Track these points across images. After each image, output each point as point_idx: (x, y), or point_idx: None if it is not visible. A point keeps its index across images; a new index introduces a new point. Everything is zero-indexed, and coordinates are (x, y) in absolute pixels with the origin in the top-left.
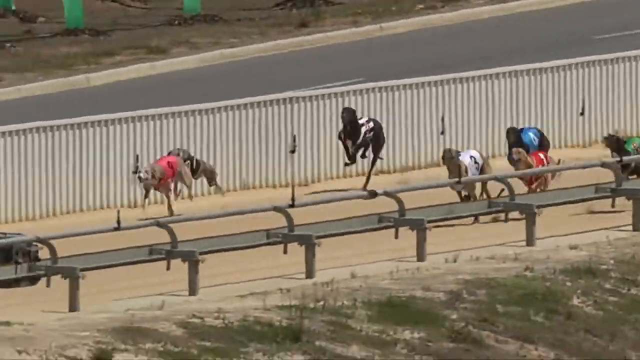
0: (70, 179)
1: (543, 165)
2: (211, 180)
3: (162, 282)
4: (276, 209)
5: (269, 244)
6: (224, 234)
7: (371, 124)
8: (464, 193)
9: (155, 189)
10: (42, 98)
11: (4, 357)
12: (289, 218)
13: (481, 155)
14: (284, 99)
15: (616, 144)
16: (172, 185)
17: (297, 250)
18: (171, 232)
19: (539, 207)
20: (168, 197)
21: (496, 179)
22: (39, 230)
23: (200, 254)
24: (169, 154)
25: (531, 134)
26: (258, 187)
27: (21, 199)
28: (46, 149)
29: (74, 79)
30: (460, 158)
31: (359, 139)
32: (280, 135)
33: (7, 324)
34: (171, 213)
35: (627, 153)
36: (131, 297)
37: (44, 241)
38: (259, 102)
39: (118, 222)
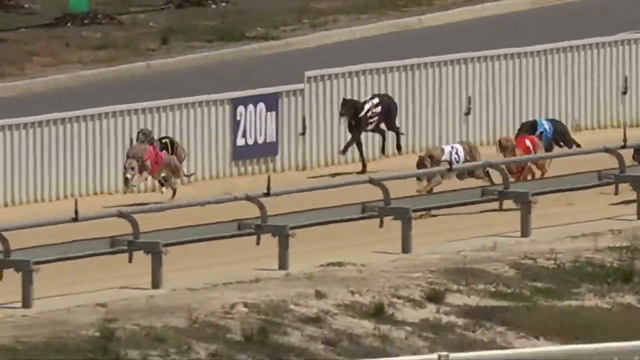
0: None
1: (529, 152)
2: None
3: (492, 224)
4: None
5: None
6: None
7: (375, 100)
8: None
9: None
10: (374, 39)
11: (337, 297)
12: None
13: (467, 148)
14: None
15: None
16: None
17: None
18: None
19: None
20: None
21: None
22: None
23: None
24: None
25: (544, 122)
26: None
27: None
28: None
29: (406, 21)
30: (444, 156)
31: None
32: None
33: (340, 264)
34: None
35: None
36: (463, 239)
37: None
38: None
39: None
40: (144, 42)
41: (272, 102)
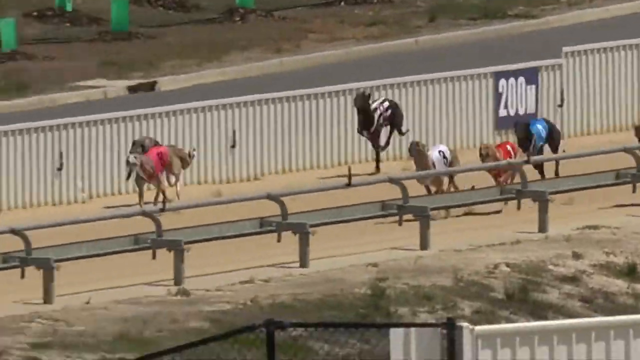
0: None
1: (510, 156)
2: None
3: None
4: None
5: None
6: None
7: (386, 104)
8: (432, 188)
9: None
10: (629, 18)
11: (593, 257)
12: None
13: (450, 150)
14: None
15: None
16: (163, 177)
17: None
18: None
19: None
20: (162, 191)
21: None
22: None
23: None
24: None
25: (539, 126)
26: None
27: None
28: None
29: None
30: (429, 153)
31: (373, 126)
32: None
33: (596, 227)
34: (163, 202)
35: None
36: None
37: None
38: None
39: None
40: (413, 19)
41: (531, 76)
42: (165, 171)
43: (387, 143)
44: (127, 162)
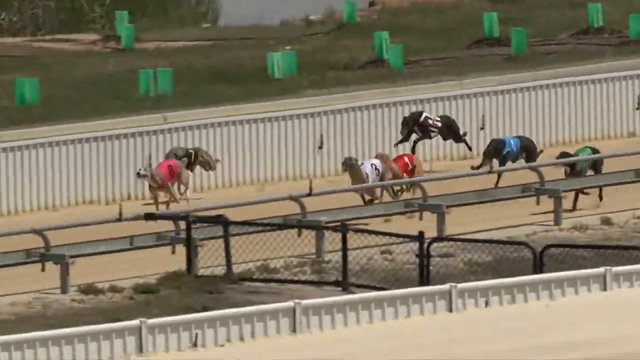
0: None
1: (407, 169)
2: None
3: None
4: None
5: None
6: None
7: (438, 118)
8: (367, 197)
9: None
10: None
11: None
12: None
13: (384, 161)
14: None
15: None
16: (174, 189)
17: None
18: None
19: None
20: (173, 198)
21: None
22: None
23: None
24: (167, 156)
25: (512, 141)
26: None
27: None
28: None
29: None
30: (363, 166)
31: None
32: None
33: None
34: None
35: None
36: None
37: None
38: None
39: None
40: None
41: None
42: (177, 181)
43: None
44: (138, 174)
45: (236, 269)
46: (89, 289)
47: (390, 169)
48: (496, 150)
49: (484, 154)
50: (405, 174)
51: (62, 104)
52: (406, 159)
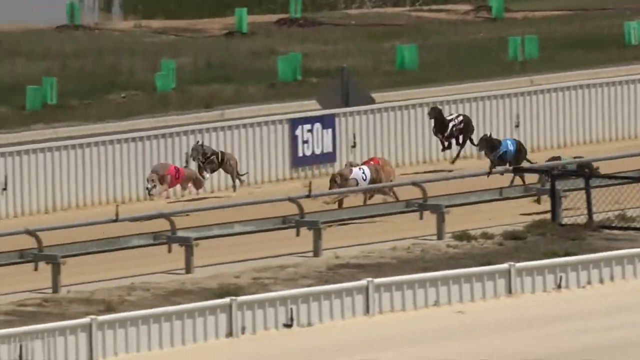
0: None
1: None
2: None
3: None
4: None
5: None
6: None
7: (460, 118)
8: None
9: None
10: None
11: None
12: None
13: (374, 168)
14: None
15: None
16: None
17: None
18: None
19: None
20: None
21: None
22: None
23: None
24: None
25: (509, 142)
26: None
27: None
28: None
29: None
30: (352, 175)
31: (447, 131)
32: None
33: None
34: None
35: None
36: None
37: None
38: None
39: None
40: None
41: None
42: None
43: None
44: (148, 180)
45: (596, 217)
46: (462, 236)
47: (379, 175)
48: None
49: (485, 154)
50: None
51: (438, 68)
52: (372, 162)
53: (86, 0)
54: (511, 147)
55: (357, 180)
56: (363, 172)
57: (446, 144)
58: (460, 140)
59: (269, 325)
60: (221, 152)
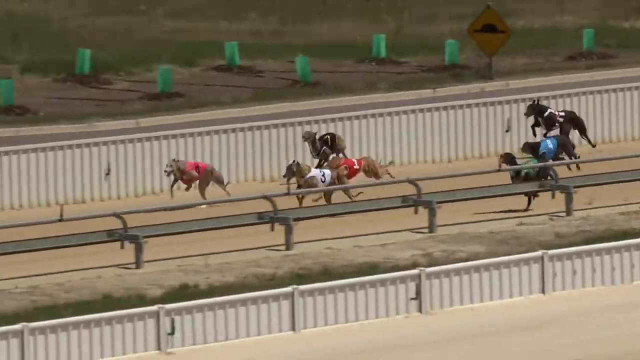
0: None
1: (352, 170)
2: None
3: None
4: None
5: None
6: None
7: (562, 113)
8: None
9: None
10: None
11: None
12: None
13: (335, 173)
14: None
15: None
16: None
17: None
18: None
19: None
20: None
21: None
22: None
23: None
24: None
25: (548, 142)
26: None
27: None
28: None
29: None
30: (310, 174)
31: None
32: None
33: None
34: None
35: None
36: None
37: None
38: None
39: None
40: None
41: None
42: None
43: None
44: (165, 171)
45: None
46: None
47: (340, 179)
48: (532, 151)
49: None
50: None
51: None
52: (354, 159)
53: None
54: (551, 146)
55: (315, 179)
56: (323, 174)
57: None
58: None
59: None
60: (331, 134)
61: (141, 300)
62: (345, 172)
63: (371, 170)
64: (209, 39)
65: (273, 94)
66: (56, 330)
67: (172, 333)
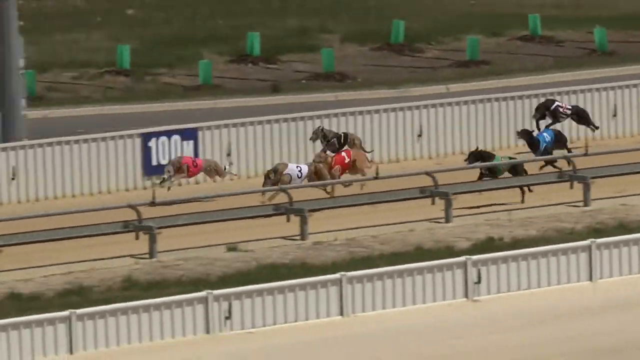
0: None
1: (343, 163)
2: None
3: None
4: None
5: None
6: None
7: (569, 105)
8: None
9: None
10: None
11: None
12: None
13: (313, 168)
14: None
15: None
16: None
17: None
18: None
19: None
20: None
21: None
22: None
23: None
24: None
25: (545, 134)
26: None
27: None
28: None
29: None
30: (287, 171)
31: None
32: None
33: None
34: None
35: None
36: None
37: None
38: None
39: None
40: None
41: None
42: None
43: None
44: (165, 171)
45: None
46: None
47: (319, 174)
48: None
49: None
50: (342, 169)
51: None
52: (343, 153)
53: None
54: (548, 138)
55: (290, 176)
56: (300, 170)
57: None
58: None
59: None
60: (344, 133)
61: (450, 251)
62: (330, 163)
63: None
64: (513, 12)
65: (572, 62)
66: (372, 279)
67: (479, 282)
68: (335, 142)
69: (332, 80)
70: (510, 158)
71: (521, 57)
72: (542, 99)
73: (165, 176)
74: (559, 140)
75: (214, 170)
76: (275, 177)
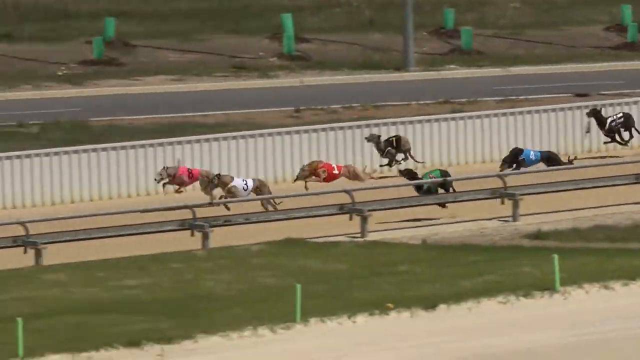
0: None
1: (331, 171)
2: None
3: None
4: None
5: None
6: None
7: (620, 114)
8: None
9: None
10: None
11: None
12: None
13: (257, 181)
14: None
15: None
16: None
17: None
18: None
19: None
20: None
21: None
22: None
23: None
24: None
25: (532, 153)
26: None
27: None
28: None
29: None
30: (233, 182)
31: (605, 127)
32: None
33: None
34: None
35: None
36: None
37: None
38: None
39: None
40: None
41: None
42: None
43: (629, 138)
44: (158, 173)
45: None
46: None
47: (260, 190)
48: (514, 157)
49: (503, 160)
50: (329, 173)
51: None
52: (333, 165)
53: None
54: (532, 157)
55: (237, 188)
56: (245, 183)
57: (609, 138)
58: (622, 133)
59: None
60: (395, 136)
61: None
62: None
63: (352, 177)
64: None
65: None
66: None
67: None
68: (382, 146)
69: None
70: (442, 172)
71: None
72: None
73: (157, 178)
74: (550, 159)
75: (205, 181)
76: (219, 183)
